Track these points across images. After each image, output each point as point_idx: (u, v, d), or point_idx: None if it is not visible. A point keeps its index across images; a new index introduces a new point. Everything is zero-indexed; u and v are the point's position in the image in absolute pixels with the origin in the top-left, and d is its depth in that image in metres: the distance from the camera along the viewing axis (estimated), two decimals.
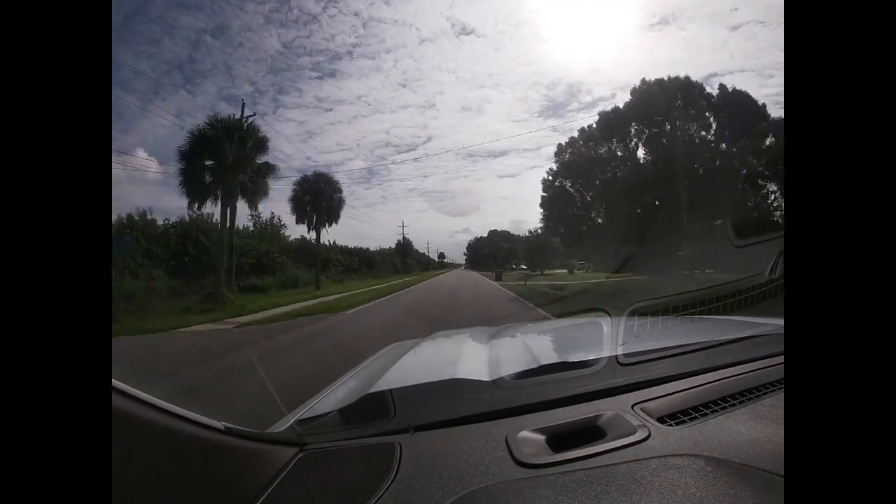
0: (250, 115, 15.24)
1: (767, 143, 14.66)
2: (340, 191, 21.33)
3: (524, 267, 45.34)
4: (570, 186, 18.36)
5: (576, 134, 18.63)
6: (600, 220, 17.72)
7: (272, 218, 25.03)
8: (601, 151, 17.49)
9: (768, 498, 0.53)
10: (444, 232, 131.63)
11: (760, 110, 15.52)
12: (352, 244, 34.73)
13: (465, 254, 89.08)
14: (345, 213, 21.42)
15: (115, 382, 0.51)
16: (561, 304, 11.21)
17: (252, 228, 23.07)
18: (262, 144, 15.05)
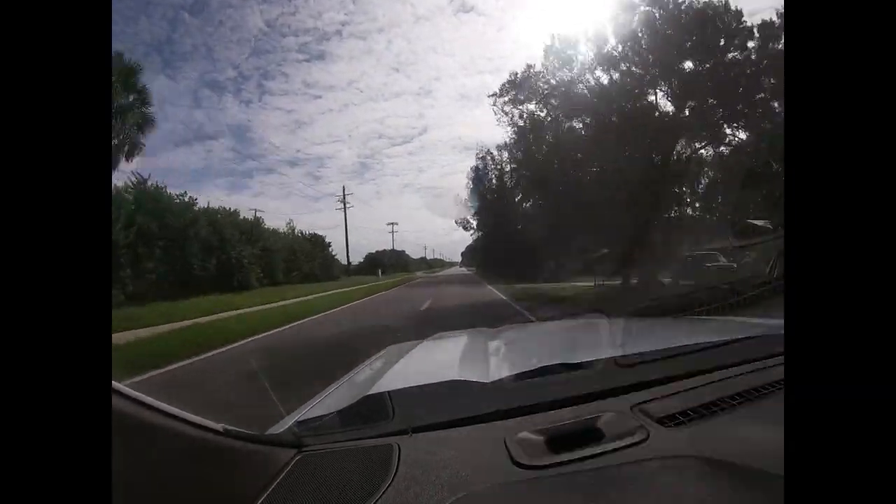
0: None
1: None
2: None
3: None
4: None
5: None
6: None
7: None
8: None
9: (768, 499, 0.53)
10: (440, 231, 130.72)
11: None
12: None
13: (464, 221, 28.45)
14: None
15: (114, 384, 0.51)
16: None
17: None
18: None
